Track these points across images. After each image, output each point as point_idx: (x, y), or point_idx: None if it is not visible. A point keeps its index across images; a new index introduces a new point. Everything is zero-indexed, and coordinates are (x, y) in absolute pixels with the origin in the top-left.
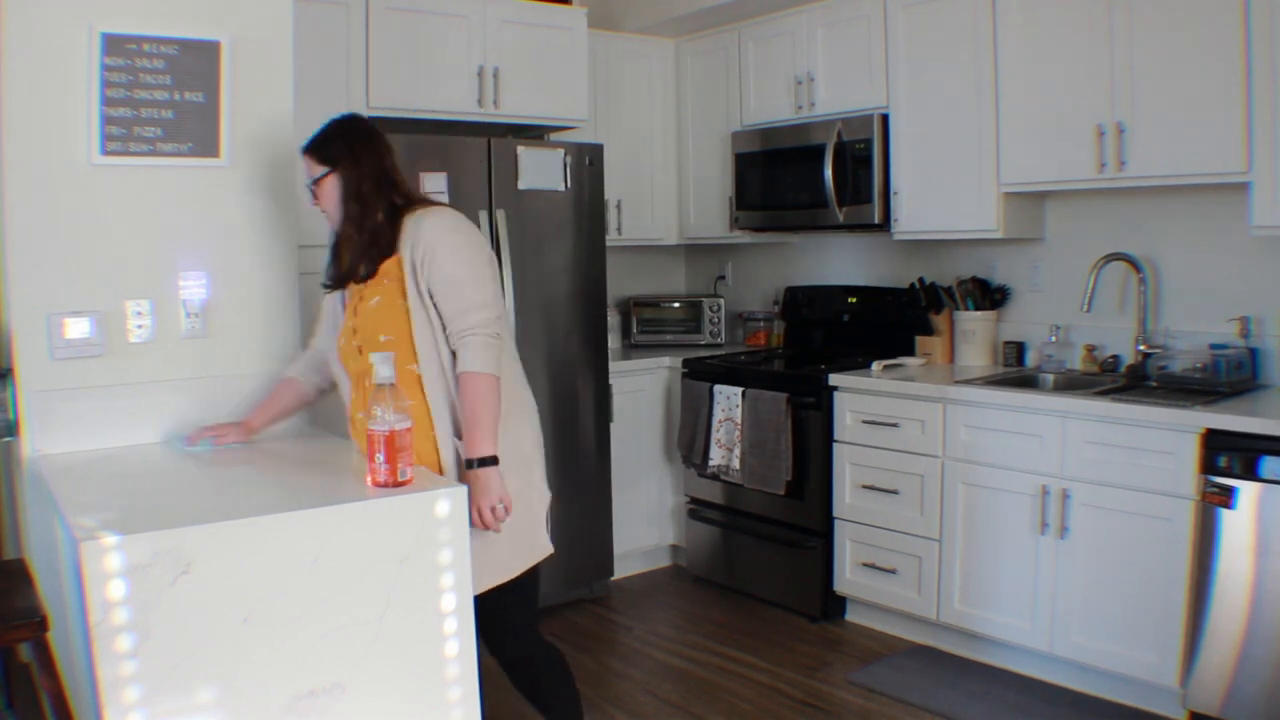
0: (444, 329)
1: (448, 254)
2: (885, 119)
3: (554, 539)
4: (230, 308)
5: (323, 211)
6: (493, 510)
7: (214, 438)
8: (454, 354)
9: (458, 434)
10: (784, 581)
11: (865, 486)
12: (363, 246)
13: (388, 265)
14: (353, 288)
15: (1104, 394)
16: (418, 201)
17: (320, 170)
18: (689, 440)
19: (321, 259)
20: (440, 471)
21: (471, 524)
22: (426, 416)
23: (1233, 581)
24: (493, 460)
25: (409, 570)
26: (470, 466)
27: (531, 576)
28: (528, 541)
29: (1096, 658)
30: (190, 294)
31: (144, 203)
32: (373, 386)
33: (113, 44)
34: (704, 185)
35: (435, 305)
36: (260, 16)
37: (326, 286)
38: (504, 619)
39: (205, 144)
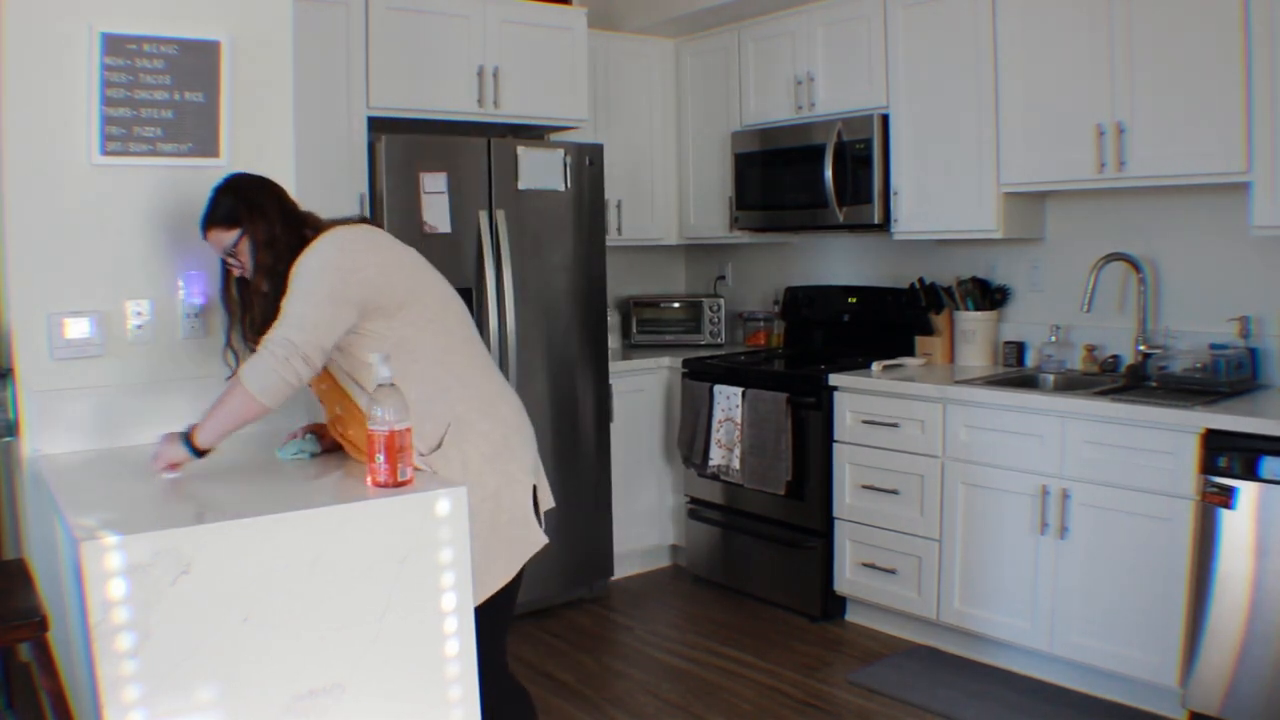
0: (341, 362)
1: (300, 268)
2: (885, 119)
3: (554, 539)
4: None
5: (244, 275)
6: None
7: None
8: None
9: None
10: (784, 581)
11: (865, 486)
12: (275, 296)
13: None
14: None
15: (1104, 394)
16: (328, 225)
17: (232, 235)
18: (689, 440)
19: None
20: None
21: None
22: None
23: (1233, 581)
24: (197, 452)
25: (409, 570)
26: (182, 439)
27: (497, 603)
28: (521, 538)
29: (1096, 658)
30: (190, 294)
31: (144, 203)
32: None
33: (113, 44)
34: (704, 185)
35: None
36: (260, 16)
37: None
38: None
39: (205, 144)
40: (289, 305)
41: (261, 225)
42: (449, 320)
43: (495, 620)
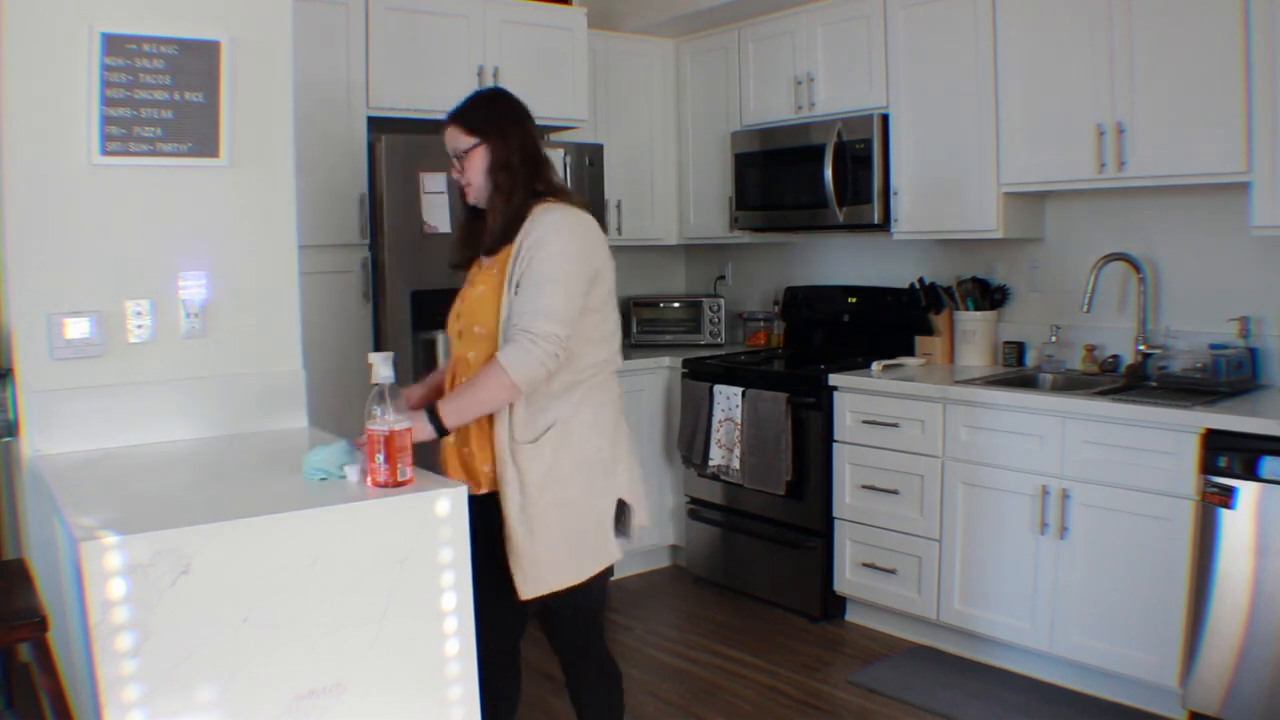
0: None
1: (551, 251)
2: (885, 119)
3: None
4: (230, 308)
5: (465, 184)
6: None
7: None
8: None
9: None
10: (784, 581)
11: (865, 486)
12: (505, 220)
13: (505, 252)
14: (471, 271)
15: (1104, 394)
16: (556, 193)
17: (468, 142)
18: (689, 440)
19: (324, 258)
20: (491, 452)
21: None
22: (492, 417)
23: (1233, 581)
24: (443, 430)
25: (409, 570)
26: (429, 416)
27: (599, 581)
28: (592, 547)
29: (1096, 658)
30: (190, 294)
31: (144, 203)
32: (374, 385)
33: (113, 44)
34: (704, 185)
35: (516, 298)
36: (260, 16)
37: (454, 266)
38: (574, 621)
39: (205, 144)
40: (549, 296)
41: (500, 147)
42: (614, 336)
43: (598, 590)
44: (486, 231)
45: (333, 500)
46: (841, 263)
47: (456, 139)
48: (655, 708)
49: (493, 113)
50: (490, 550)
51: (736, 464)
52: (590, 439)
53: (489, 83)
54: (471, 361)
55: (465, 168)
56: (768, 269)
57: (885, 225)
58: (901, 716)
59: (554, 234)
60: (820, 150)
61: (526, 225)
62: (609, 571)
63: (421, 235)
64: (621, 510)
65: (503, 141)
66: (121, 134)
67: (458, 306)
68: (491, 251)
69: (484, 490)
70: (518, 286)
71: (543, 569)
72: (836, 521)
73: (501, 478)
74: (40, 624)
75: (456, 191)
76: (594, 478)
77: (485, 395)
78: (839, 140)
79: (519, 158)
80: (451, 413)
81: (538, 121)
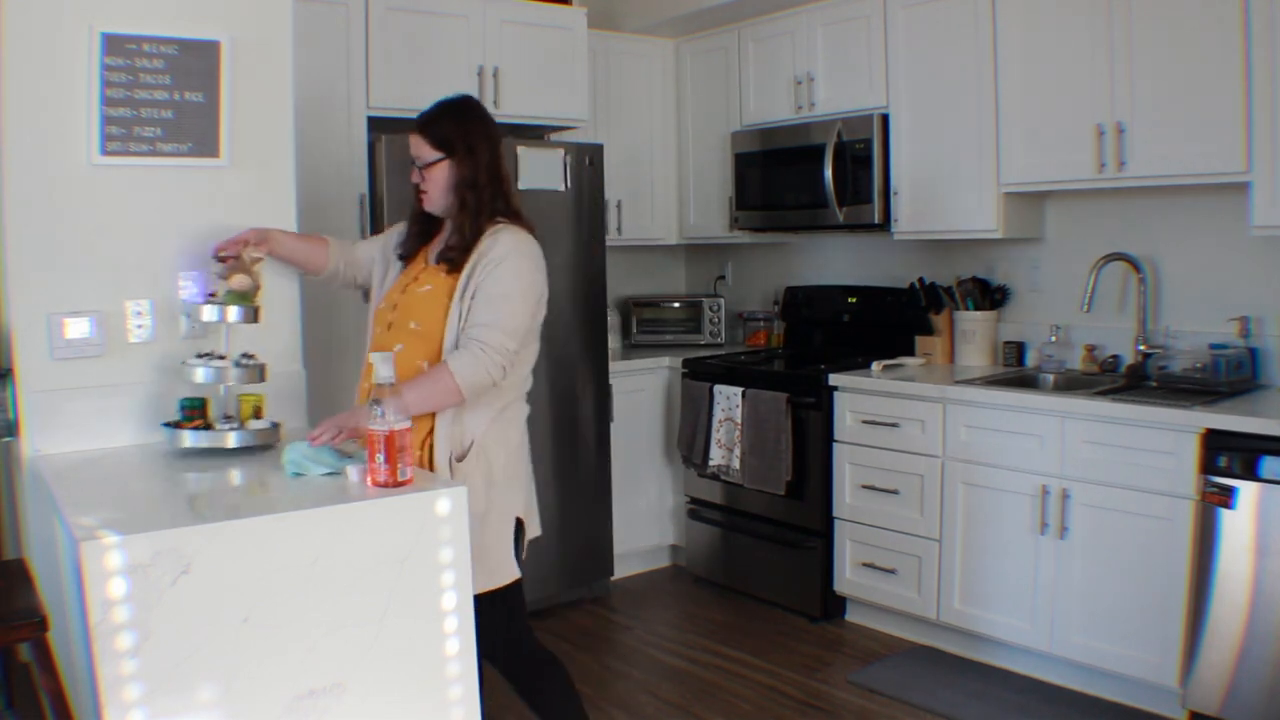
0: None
1: (511, 270)
2: (885, 119)
3: (555, 539)
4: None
5: (422, 192)
6: (338, 430)
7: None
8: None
9: (454, 435)
10: (784, 581)
11: (865, 486)
12: (469, 238)
13: (464, 264)
14: (412, 266)
15: (1104, 394)
16: (513, 216)
17: (432, 155)
18: (689, 440)
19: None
20: (431, 469)
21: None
22: (428, 415)
23: (1233, 581)
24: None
25: (409, 570)
26: (376, 400)
27: (509, 591)
28: (493, 567)
29: (1096, 657)
30: (190, 294)
31: (144, 203)
32: (373, 385)
33: (113, 44)
34: (704, 185)
35: (470, 309)
36: (260, 16)
37: (403, 257)
38: (493, 627)
39: (205, 144)
40: (505, 311)
41: (467, 165)
42: (533, 360)
43: (513, 597)
44: (445, 242)
45: (333, 500)
46: (841, 263)
47: (421, 149)
48: (655, 708)
49: (462, 127)
50: None
51: (736, 464)
52: (502, 458)
53: (489, 83)
54: (397, 354)
55: (427, 179)
56: (768, 269)
57: (885, 225)
58: (901, 716)
59: (515, 254)
60: (820, 150)
61: (484, 241)
62: (518, 588)
63: None
64: (519, 530)
65: (470, 159)
66: (121, 134)
67: (394, 296)
68: (452, 264)
69: None
70: (472, 298)
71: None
72: (836, 521)
73: None
74: (40, 624)
75: (411, 190)
76: (505, 497)
77: (431, 395)
78: (839, 140)
79: (486, 176)
80: (402, 406)
81: (537, 122)
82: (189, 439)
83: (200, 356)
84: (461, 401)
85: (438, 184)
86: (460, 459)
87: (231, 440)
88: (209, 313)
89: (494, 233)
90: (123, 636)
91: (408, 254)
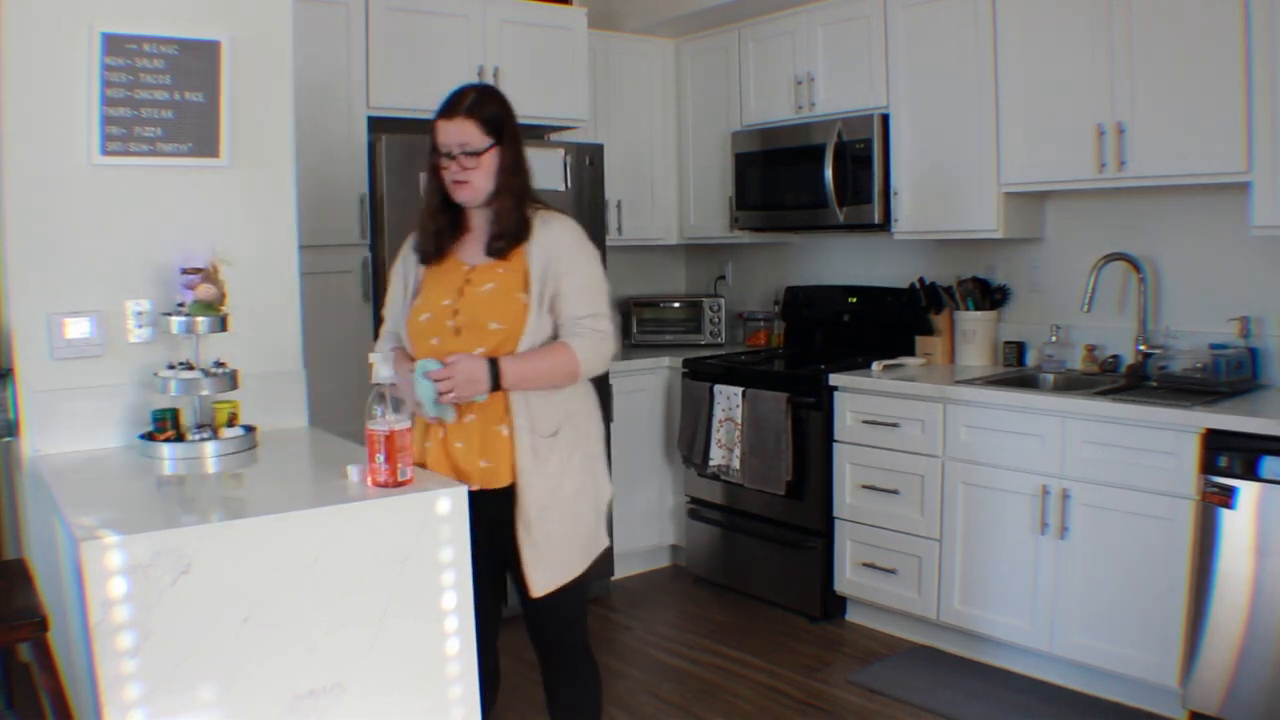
0: (554, 329)
1: (584, 260)
2: (885, 119)
3: None
4: (230, 308)
5: (457, 182)
6: (453, 391)
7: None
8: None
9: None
10: (784, 581)
11: (865, 486)
12: (517, 224)
13: (516, 254)
14: (446, 267)
15: (1104, 394)
16: (540, 200)
17: (483, 142)
18: (689, 440)
19: (324, 258)
20: (512, 468)
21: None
22: (505, 411)
23: (1233, 581)
24: (497, 386)
25: (409, 570)
26: (494, 366)
27: (591, 572)
28: (592, 538)
29: (1096, 658)
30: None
31: (144, 203)
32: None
33: (113, 44)
34: (704, 185)
35: (553, 308)
36: (260, 16)
37: (427, 260)
38: (563, 614)
39: (205, 144)
40: (601, 302)
41: (512, 150)
42: None
43: (587, 579)
44: (488, 233)
45: (333, 500)
46: (841, 263)
47: (471, 136)
48: (655, 708)
49: (505, 113)
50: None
51: (737, 464)
52: (594, 431)
53: (489, 82)
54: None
55: (474, 167)
56: (768, 269)
57: (885, 225)
58: (901, 716)
59: (580, 239)
60: (820, 150)
61: (538, 230)
62: (598, 562)
63: None
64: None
65: (515, 144)
66: (122, 134)
67: (446, 298)
68: (501, 253)
69: (476, 487)
70: (553, 293)
71: (559, 561)
72: (836, 521)
73: (521, 470)
74: (40, 624)
75: (433, 186)
76: (597, 469)
77: (549, 371)
78: (839, 140)
79: (522, 161)
80: (515, 374)
81: (537, 122)
82: (168, 466)
83: (172, 367)
84: (574, 383)
85: (487, 171)
86: (553, 434)
87: (210, 466)
88: (178, 325)
89: (544, 220)
90: (123, 636)
91: (439, 251)
